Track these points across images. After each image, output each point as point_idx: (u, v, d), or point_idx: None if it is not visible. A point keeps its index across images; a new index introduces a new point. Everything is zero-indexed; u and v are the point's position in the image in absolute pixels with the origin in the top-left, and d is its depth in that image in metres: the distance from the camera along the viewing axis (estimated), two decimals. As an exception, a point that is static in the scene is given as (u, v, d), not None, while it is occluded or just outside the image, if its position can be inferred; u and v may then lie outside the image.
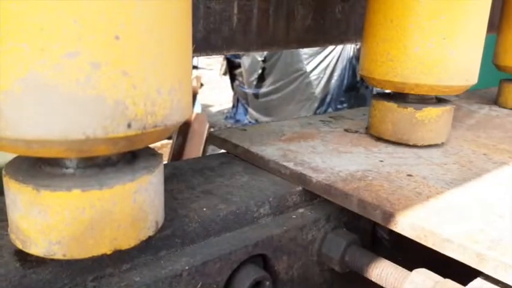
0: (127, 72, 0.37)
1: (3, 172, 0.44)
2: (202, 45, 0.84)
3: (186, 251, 0.57)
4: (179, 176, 0.74)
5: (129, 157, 0.49)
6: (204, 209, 0.62)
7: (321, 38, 1.06)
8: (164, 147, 3.19)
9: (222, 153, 0.89)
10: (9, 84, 0.34)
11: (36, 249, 0.42)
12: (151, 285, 0.50)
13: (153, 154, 0.52)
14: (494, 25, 1.34)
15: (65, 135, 0.35)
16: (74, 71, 0.35)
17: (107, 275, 0.50)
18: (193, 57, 0.86)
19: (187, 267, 0.53)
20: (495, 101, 1.45)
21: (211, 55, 0.88)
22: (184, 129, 2.99)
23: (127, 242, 0.45)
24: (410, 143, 0.88)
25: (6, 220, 0.49)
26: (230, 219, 0.63)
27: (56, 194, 0.40)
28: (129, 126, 0.38)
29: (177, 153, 2.97)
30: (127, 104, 0.37)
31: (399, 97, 0.92)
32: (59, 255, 0.42)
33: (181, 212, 0.61)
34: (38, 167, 0.45)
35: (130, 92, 0.37)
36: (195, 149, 2.94)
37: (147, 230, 0.47)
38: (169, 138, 3.06)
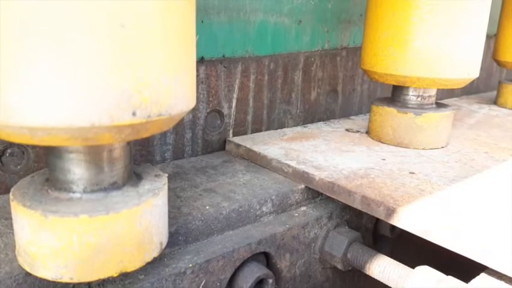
0: (132, 60, 0.37)
1: (11, 196, 0.44)
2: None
3: (190, 249, 0.57)
4: (182, 175, 0.74)
5: (135, 179, 0.50)
6: (207, 207, 0.62)
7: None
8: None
9: (224, 151, 0.89)
10: (15, 73, 0.34)
11: (44, 272, 0.42)
12: (155, 282, 0.50)
13: (157, 175, 0.52)
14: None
15: (70, 123, 0.35)
16: (79, 59, 0.34)
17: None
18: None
19: (190, 265, 0.53)
20: (494, 101, 1.46)
21: None
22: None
23: (133, 264, 0.45)
24: (411, 148, 0.88)
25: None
26: (233, 217, 0.63)
27: (63, 219, 0.41)
28: (134, 114, 0.38)
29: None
30: (132, 93, 0.37)
31: (399, 102, 0.92)
32: (66, 279, 0.42)
33: (184, 210, 0.61)
34: (45, 191, 0.46)
35: (135, 80, 0.37)
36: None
37: (152, 251, 0.47)
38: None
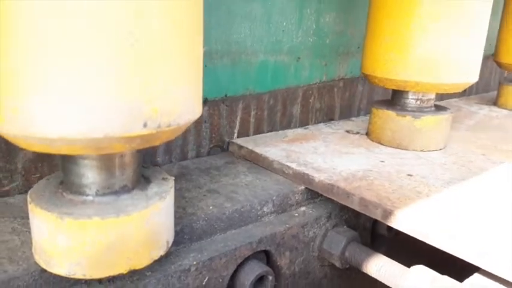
0: (144, 73, 0.39)
1: (28, 199, 0.47)
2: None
3: (194, 247, 0.60)
4: (187, 175, 0.77)
5: (143, 182, 0.53)
6: (211, 208, 0.65)
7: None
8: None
9: (227, 152, 0.92)
10: (38, 88, 0.37)
11: (59, 269, 0.45)
12: (161, 279, 0.53)
13: (165, 178, 0.55)
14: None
15: (86, 134, 0.38)
16: (96, 74, 0.37)
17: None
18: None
19: (195, 263, 0.56)
20: (494, 102, 1.47)
21: None
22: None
23: (141, 262, 0.48)
24: (410, 149, 0.90)
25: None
26: (235, 217, 0.66)
27: (78, 221, 0.44)
28: (144, 125, 0.40)
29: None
30: (143, 104, 0.40)
31: (399, 105, 0.94)
32: (79, 275, 0.45)
33: (189, 210, 0.64)
34: (60, 193, 0.49)
35: (146, 93, 0.40)
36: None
37: (159, 250, 0.50)
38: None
